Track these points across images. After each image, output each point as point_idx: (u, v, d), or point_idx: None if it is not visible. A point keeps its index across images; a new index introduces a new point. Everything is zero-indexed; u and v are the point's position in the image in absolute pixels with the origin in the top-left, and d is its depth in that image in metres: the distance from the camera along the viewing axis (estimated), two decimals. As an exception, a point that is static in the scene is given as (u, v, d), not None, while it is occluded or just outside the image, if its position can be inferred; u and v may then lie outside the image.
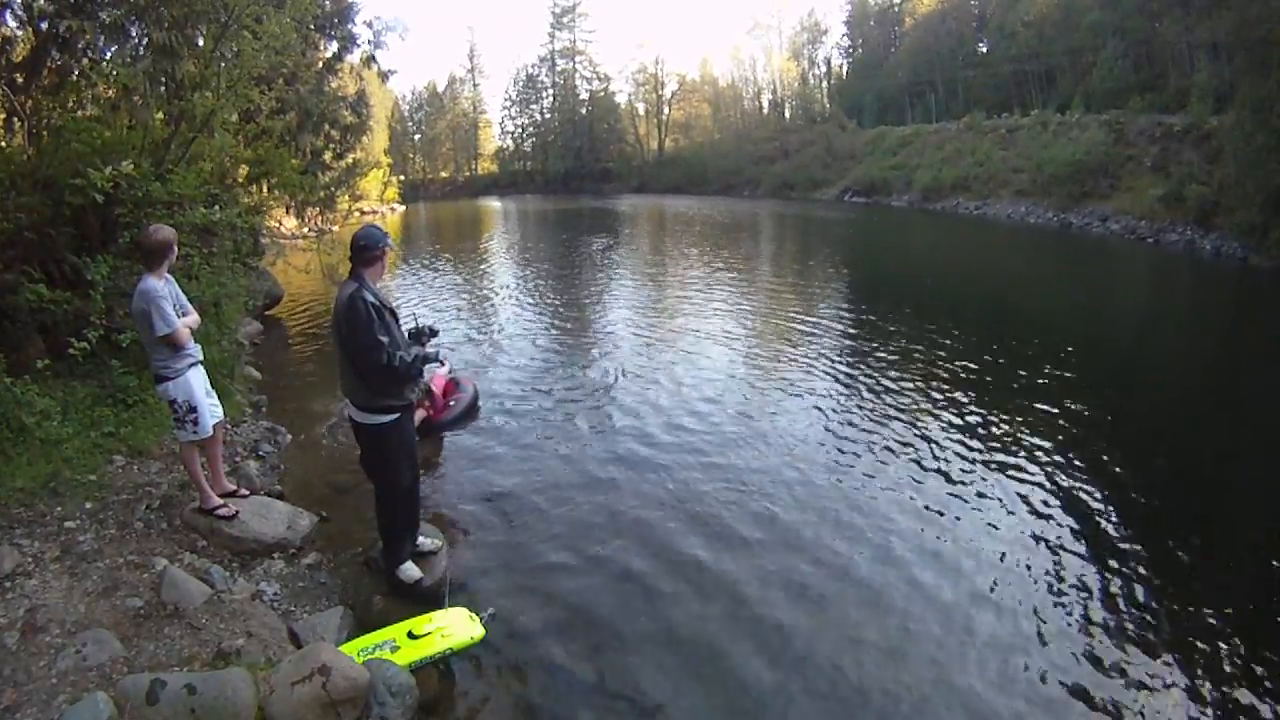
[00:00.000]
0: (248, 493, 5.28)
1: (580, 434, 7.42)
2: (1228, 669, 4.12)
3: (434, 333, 4.97)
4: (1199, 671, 4.10)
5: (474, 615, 4.20)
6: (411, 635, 3.98)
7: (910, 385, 8.92)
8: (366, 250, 4.20)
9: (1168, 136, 28.44)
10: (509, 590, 4.72)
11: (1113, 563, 5.15)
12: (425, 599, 4.50)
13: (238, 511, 4.92)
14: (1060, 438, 7.32)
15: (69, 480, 5.01)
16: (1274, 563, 5.23)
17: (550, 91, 74.01)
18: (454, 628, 4.07)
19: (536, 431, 7.49)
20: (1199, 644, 4.31)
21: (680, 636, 4.29)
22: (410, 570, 4.64)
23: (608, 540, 5.34)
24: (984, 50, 52.87)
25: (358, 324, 4.02)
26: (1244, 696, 3.90)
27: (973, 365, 9.68)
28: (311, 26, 12.14)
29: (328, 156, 13.81)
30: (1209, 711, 3.80)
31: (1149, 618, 4.57)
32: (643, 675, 3.97)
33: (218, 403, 4.98)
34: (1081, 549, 5.31)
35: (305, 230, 13.90)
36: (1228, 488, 6.68)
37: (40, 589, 3.89)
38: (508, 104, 76.29)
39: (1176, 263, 20.86)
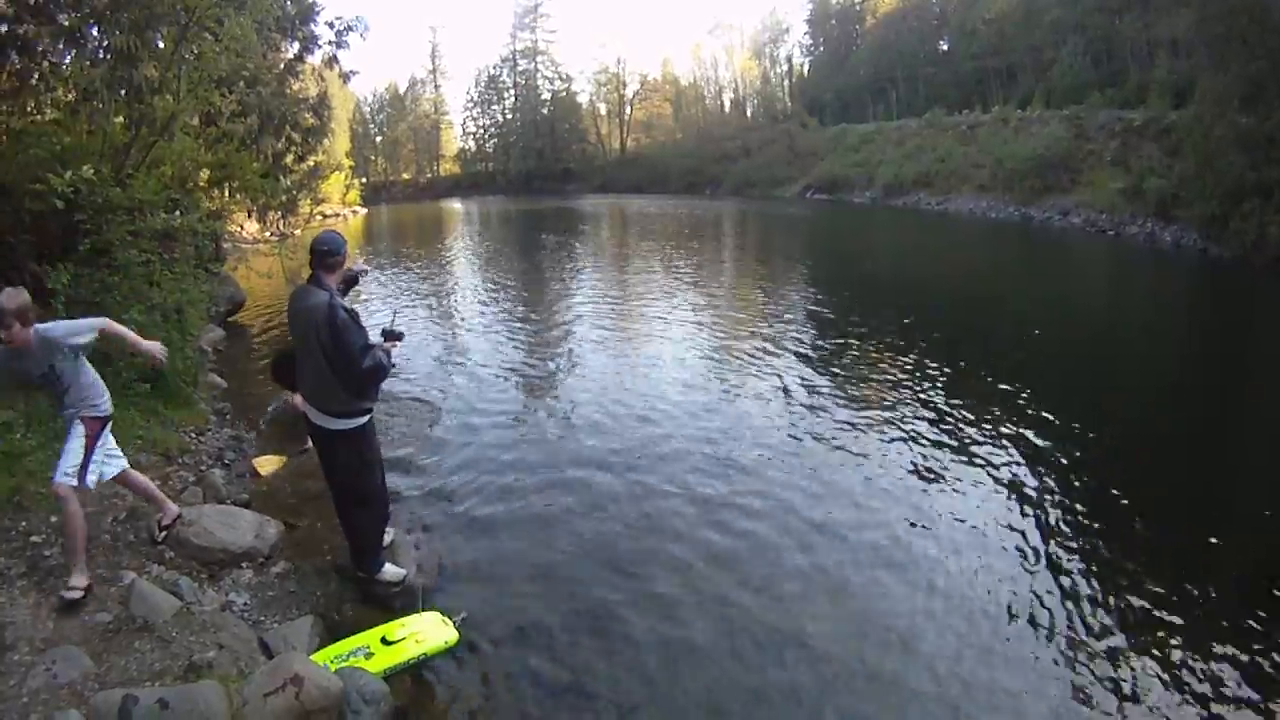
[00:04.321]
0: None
1: (547, 436, 7.45)
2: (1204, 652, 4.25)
3: (400, 335, 4.92)
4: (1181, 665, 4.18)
5: (447, 619, 4.24)
6: (385, 640, 4.00)
7: (873, 378, 9.13)
8: (330, 255, 4.22)
9: (1128, 131, 29.19)
10: (481, 593, 4.74)
11: (1074, 550, 5.33)
12: (397, 604, 4.53)
13: (180, 514, 4.86)
14: (1021, 425, 7.54)
15: (33, 494, 4.92)
16: (1212, 540, 5.42)
17: (512, 92, 73.67)
18: (428, 632, 4.10)
19: (503, 433, 7.50)
20: (1170, 624, 4.47)
21: (655, 636, 4.31)
22: (394, 570, 4.70)
23: (578, 540, 5.38)
24: (945, 48, 53.79)
25: (345, 331, 4.06)
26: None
27: (933, 354, 9.87)
28: (272, 28, 12.00)
29: (289, 159, 13.66)
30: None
31: (1111, 603, 4.72)
32: (619, 676, 3.99)
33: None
34: (1031, 537, 5.49)
35: (267, 234, 13.76)
36: (1180, 469, 6.91)
37: (7, 606, 3.85)
38: (469, 105, 75.97)
39: (1137, 254, 21.44)
